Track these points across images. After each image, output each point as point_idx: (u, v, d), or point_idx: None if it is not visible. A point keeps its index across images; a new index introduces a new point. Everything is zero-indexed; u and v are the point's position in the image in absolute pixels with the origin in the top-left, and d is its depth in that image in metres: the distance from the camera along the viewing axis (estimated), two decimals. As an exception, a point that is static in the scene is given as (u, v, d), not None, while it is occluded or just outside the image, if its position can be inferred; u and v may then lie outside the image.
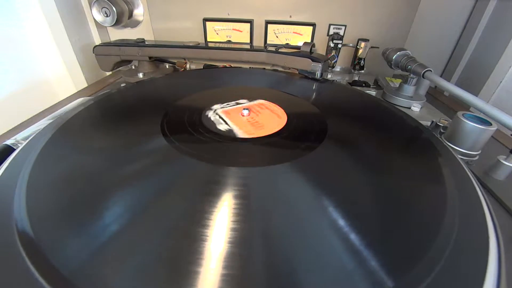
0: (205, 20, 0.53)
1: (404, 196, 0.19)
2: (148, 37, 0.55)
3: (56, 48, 0.48)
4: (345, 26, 0.52)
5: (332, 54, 0.52)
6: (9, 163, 0.20)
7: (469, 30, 0.53)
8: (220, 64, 0.51)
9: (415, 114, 0.38)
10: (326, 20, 0.53)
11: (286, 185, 0.19)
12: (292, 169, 0.20)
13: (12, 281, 0.12)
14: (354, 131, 0.27)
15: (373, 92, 0.45)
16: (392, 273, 0.13)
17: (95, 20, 0.51)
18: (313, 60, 0.39)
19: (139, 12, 0.55)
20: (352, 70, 0.53)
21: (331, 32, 0.53)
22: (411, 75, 0.39)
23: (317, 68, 0.39)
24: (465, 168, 0.22)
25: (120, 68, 0.51)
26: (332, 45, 0.51)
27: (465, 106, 0.46)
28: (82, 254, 0.13)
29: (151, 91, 0.36)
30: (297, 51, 0.42)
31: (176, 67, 0.53)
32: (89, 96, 0.43)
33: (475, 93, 0.48)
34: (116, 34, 0.58)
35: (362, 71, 0.53)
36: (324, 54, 0.53)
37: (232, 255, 0.14)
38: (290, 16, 0.53)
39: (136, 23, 0.56)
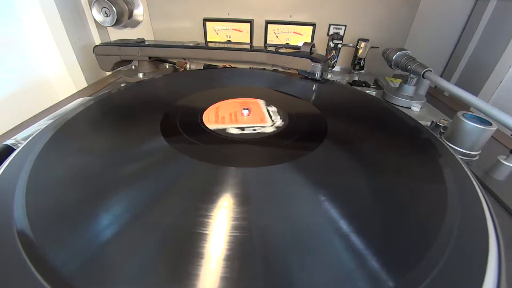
0: (205, 20, 0.53)
1: (404, 196, 0.19)
2: (148, 37, 0.55)
3: (56, 48, 0.48)
4: (345, 26, 0.52)
5: (332, 54, 0.52)
6: (9, 163, 0.20)
7: (469, 30, 0.53)
8: (220, 64, 0.51)
9: (415, 114, 0.38)
10: (326, 20, 0.53)
11: (286, 185, 0.19)
12: (292, 169, 0.20)
13: (12, 281, 0.12)
14: (354, 131, 0.27)
15: (373, 92, 0.45)
16: (392, 273, 0.13)
17: (95, 20, 0.51)
18: (313, 61, 0.39)
19: (139, 12, 0.55)
20: (352, 70, 0.53)
21: (331, 32, 0.53)
22: (411, 75, 0.39)
23: (317, 68, 0.39)
24: (465, 168, 0.22)
25: (120, 68, 0.51)
26: (332, 45, 0.51)
27: (465, 106, 0.46)
28: (82, 254, 0.13)
29: (151, 91, 0.36)
30: (297, 52, 0.42)
31: (176, 67, 0.53)
32: (89, 96, 0.43)
33: (475, 93, 0.48)
34: (116, 34, 0.58)
35: (362, 71, 0.53)
36: (324, 54, 0.53)
37: (232, 255, 0.14)
38: (290, 16, 0.53)
39: (136, 23, 0.56)
